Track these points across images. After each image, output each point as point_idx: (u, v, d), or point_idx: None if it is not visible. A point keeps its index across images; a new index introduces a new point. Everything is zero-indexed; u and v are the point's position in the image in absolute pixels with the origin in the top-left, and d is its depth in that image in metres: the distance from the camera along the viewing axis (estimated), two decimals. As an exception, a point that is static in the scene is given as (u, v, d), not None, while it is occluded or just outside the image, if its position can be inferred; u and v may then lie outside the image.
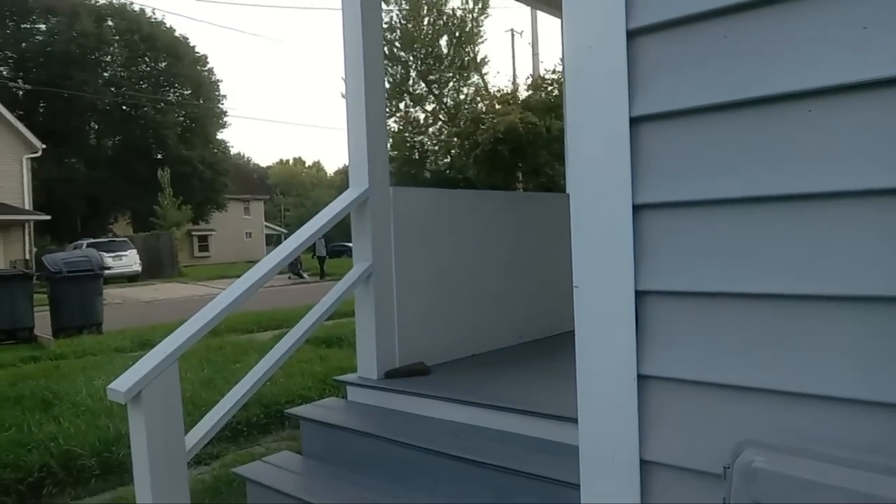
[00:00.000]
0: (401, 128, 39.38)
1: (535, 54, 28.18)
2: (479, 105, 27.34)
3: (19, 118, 28.24)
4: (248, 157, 65.20)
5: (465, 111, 29.59)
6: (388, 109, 38.78)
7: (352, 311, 9.59)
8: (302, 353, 6.35)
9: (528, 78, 26.43)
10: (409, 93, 39.28)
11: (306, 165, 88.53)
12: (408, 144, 38.80)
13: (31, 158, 27.44)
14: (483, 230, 3.82)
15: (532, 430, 2.62)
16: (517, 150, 15.96)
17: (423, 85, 38.19)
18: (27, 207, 26.57)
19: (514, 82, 29.07)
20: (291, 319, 9.69)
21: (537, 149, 15.95)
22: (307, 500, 2.57)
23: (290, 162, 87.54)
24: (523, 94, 21.55)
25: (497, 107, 18.23)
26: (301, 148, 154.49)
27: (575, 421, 2.44)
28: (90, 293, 9.49)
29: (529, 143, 15.80)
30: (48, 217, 26.29)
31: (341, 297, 3.12)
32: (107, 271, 10.74)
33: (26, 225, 26.40)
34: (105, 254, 18.29)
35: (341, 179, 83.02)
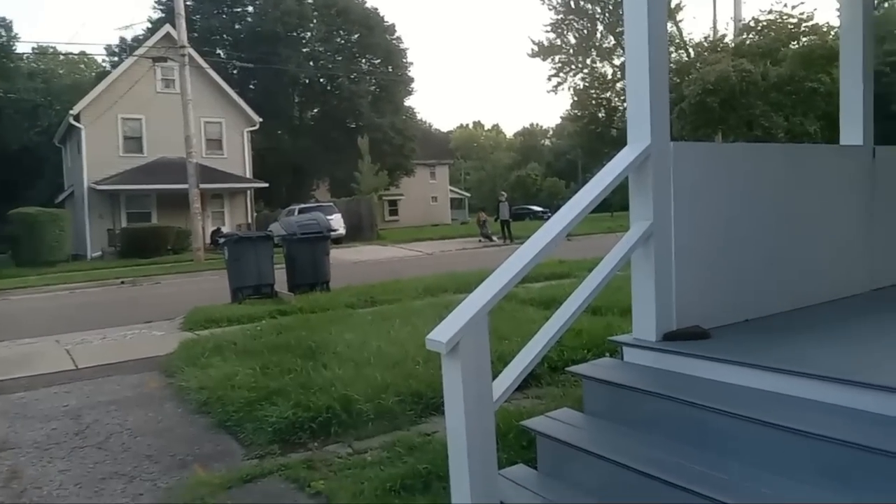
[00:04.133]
0: (587, 84, 38.38)
1: (737, -5, 25.85)
2: (679, 54, 25.61)
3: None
4: (429, 123, 67.11)
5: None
6: (573, 66, 37.91)
7: (566, 273, 9.48)
8: (530, 315, 6.43)
9: (731, 21, 24.35)
10: (596, 47, 38.04)
11: (485, 129, 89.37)
12: (594, 102, 37.75)
13: (250, 131, 30.49)
14: (759, 187, 3.56)
15: (853, 402, 2.41)
16: (727, 102, 14.69)
17: (611, 39, 36.77)
18: (248, 176, 29.67)
19: (714, 27, 26.92)
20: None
21: (751, 99, 14.55)
22: (611, 458, 2.57)
23: (470, 126, 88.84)
24: (729, 38, 19.86)
25: (705, 54, 16.91)
26: (480, 112, 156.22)
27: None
28: (320, 253, 10.37)
29: (743, 93, 14.44)
30: (266, 185, 29.14)
31: (625, 257, 3.06)
32: (332, 233, 11.62)
33: (248, 192, 29.52)
34: (317, 217, 19.75)
35: (520, 142, 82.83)
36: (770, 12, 16.39)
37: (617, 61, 35.15)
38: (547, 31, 39.12)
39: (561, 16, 37.88)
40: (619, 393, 2.97)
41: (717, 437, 2.54)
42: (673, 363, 3.04)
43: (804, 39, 15.22)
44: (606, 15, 36.60)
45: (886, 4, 20.40)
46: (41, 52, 50.70)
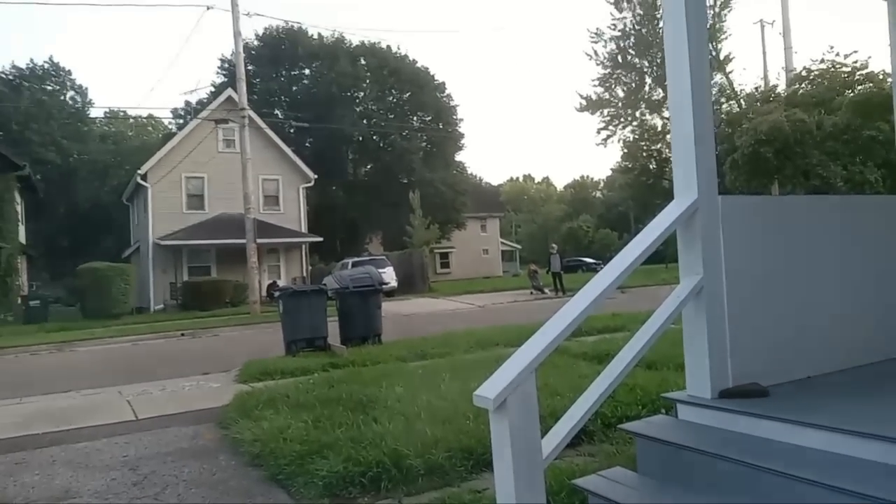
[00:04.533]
0: (636, 136, 38.38)
1: (787, 47, 25.68)
2: (730, 104, 25.42)
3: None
4: (479, 177, 67.89)
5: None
6: (623, 119, 38.07)
7: (620, 327, 9.32)
8: (582, 369, 6.34)
9: (782, 72, 24.10)
10: (645, 100, 38.16)
11: (535, 181, 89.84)
12: (644, 153, 37.65)
13: (306, 188, 31.46)
14: (814, 240, 3.49)
15: (924, 466, 2.29)
16: (782, 152, 14.47)
17: (660, 91, 36.85)
18: (303, 231, 30.46)
19: (765, 78, 26.75)
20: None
21: (807, 149, 14.30)
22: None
23: (520, 179, 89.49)
24: (780, 88, 19.66)
25: (756, 105, 16.76)
26: (529, 164, 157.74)
27: None
28: (372, 306, 10.49)
29: (797, 143, 14.22)
30: (321, 239, 29.83)
31: (675, 313, 3.03)
32: (384, 286, 11.77)
33: (303, 246, 30.25)
34: (370, 271, 19.96)
35: (571, 194, 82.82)
36: (822, 61, 16.19)
37: (666, 113, 35.05)
38: (595, 86, 39.52)
39: (608, 70, 38.30)
40: (674, 452, 2.90)
41: (776, 501, 2.45)
42: (729, 422, 2.95)
43: (859, 88, 14.95)
44: (654, 68, 36.81)
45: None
46: (112, 115, 54.01)
